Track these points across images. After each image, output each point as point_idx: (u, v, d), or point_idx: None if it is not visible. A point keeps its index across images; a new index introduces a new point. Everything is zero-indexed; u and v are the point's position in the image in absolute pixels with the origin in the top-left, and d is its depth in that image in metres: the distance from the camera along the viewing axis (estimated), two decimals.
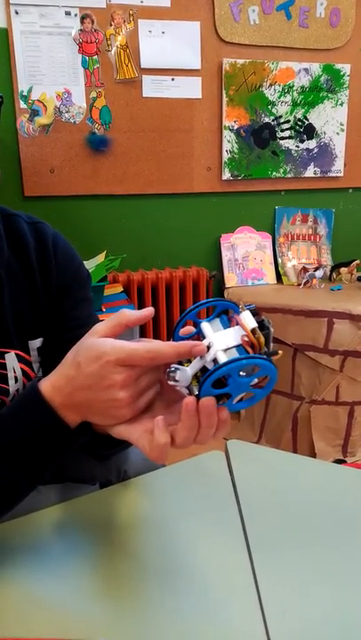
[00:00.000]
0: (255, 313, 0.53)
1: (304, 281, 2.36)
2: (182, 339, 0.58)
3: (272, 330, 0.53)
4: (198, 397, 0.53)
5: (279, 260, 2.49)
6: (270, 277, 2.46)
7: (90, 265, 1.97)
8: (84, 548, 0.71)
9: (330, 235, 2.57)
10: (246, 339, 0.52)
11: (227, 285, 2.39)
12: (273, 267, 2.47)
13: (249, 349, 0.52)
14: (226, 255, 2.42)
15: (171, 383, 0.54)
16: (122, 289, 2.14)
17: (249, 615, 0.61)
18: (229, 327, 0.55)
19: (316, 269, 2.37)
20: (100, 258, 2.09)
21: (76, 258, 0.86)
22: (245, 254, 2.44)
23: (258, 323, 0.53)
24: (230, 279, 2.41)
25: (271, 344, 0.53)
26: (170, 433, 0.55)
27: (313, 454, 2.08)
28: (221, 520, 0.77)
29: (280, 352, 0.53)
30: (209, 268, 2.37)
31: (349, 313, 1.98)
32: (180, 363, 0.56)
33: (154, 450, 0.55)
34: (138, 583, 0.65)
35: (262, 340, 0.52)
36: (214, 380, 0.51)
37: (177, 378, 0.54)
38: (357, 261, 2.42)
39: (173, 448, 0.55)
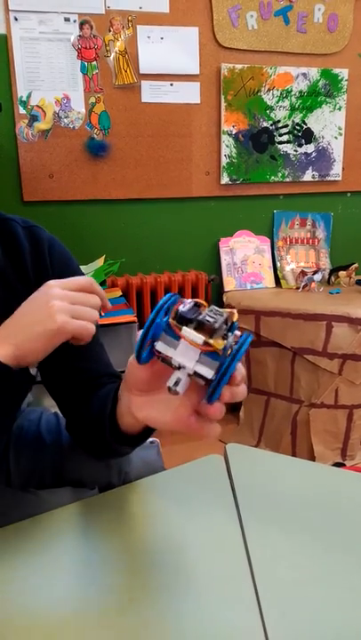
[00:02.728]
0: (184, 319, 0.52)
1: (303, 284, 2.37)
2: (146, 356, 0.57)
3: (212, 322, 0.51)
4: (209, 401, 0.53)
5: (278, 264, 2.50)
6: (269, 281, 2.46)
7: (89, 269, 1.98)
8: (84, 551, 0.72)
9: (328, 238, 2.58)
10: (205, 347, 0.51)
11: (225, 289, 2.40)
12: (272, 270, 2.48)
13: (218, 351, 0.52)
14: (225, 259, 2.43)
15: (179, 396, 0.55)
16: (121, 293, 2.14)
17: (248, 617, 0.61)
18: (178, 339, 0.53)
19: (314, 273, 2.37)
20: (99, 262, 2.10)
21: (73, 262, 0.86)
22: (244, 258, 2.45)
23: (198, 327, 0.51)
24: (229, 283, 2.41)
25: (220, 315, 0.52)
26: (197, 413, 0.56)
27: (312, 458, 2.08)
28: (220, 523, 0.77)
29: (235, 315, 0.53)
30: (208, 272, 2.38)
31: (348, 316, 1.98)
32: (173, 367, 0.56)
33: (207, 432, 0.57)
34: (137, 586, 0.65)
35: (220, 344, 0.51)
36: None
37: (180, 391, 0.53)
38: (356, 265, 2.42)
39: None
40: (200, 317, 0.52)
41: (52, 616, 0.61)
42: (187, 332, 0.52)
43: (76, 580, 0.67)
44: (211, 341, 0.51)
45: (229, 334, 0.52)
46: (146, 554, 0.71)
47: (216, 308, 0.54)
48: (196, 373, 0.53)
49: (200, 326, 0.51)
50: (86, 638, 0.59)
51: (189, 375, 0.53)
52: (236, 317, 0.54)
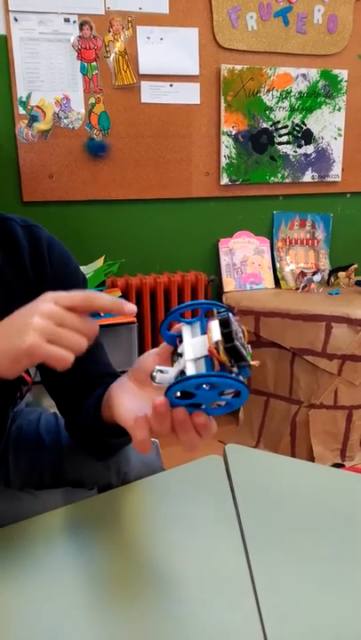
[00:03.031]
0: (226, 323, 0.52)
1: (302, 285, 2.37)
2: (170, 336, 0.59)
3: (238, 343, 0.51)
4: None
5: (277, 265, 2.50)
6: (268, 282, 2.46)
7: (88, 270, 1.98)
8: (83, 552, 0.72)
9: (328, 239, 2.58)
10: (212, 348, 0.52)
11: (225, 290, 2.40)
12: (271, 271, 2.48)
13: (216, 362, 0.51)
14: (224, 260, 2.43)
15: (154, 385, 0.56)
16: (120, 294, 2.14)
17: (247, 619, 0.61)
18: (203, 334, 0.54)
19: (314, 274, 2.37)
20: (99, 263, 2.10)
21: (72, 261, 0.86)
22: (244, 259, 2.45)
23: (225, 334, 0.52)
24: (228, 284, 2.41)
25: (246, 353, 0.52)
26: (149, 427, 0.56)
27: (311, 458, 2.08)
28: (220, 524, 0.77)
29: (255, 363, 0.53)
30: (207, 273, 2.38)
31: (347, 317, 1.98)
32: (177, 355, 0.56)
33: (135, 443, 0.57)
34: (136, 588, 0.65)
35: (223, 356, 0.51)
36: (178, 392, 0.52)
37: (157, 380, 0.55)
38: (355, 265, 2.42)
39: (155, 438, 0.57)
40: (233, 330, 0.52)
41: (51, 616, 0.61)
42: (214, 325, 0.52)
43: (75, 580, 0.66)
44: (221, 348, 0.51)
45: (236, 369, 0.52)
46: (145, 554, 0.71)
47: (250, 347, 0.54)
48: (182, 372, 0.53)
49: (226, 337, 0.52)
50: (84, 638, 0.59)
51: (178, 375, 0.54)
52: (255, 364, 0.53)
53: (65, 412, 0.87)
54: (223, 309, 0.55)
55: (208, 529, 0.76)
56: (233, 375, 0.50)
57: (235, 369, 0.51)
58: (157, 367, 0.56)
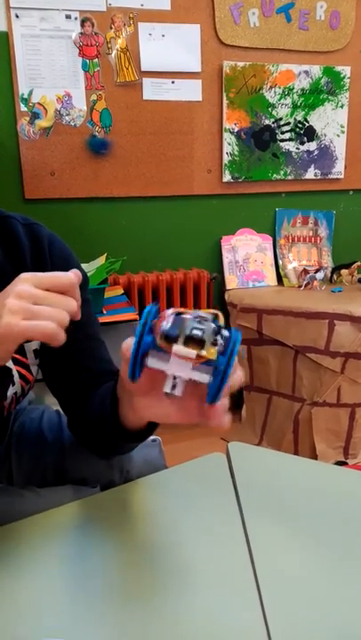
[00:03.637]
0: (168, 337, 0.50)
1: (305, 283, 2.36)
2: (141, 371, 0.55)
3: (193, 333, 0.49)
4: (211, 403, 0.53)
5: (280, 262, 2.49)
6: (271, 279, 2.46)
7: (90, 267, 1.97)
8: (86, 550, 0.71)
9: (330, 236, 2.57)
10: (198, 360, 0.50)
11: (227, 287, 2.39)
12: (274, 269, 2.47)
13: (209, 366, 0.51)
14: (227, 257, 2.42)
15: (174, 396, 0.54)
16: (122, 291, 2.14)
17: (250, 616, 0.61)
18: (168, 354, 0.51)
19: (316, 271, 2.37)
20: (101, 260, 2.09)
21: (73, 259, 0.86)
22: (246, 256, 2.45)
23: (187, 340, 0.50)
24: (231, 281, 2.41)
25: (209, 315, 0.51)
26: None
27: (314, 456, 2.08)
28: (223, 522, 0.77)
29: (219, 313, 0.53)
30: (210, 270, 2.37)
31: (350, 315, 1.98)
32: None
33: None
34: (139, 585, 0.65)
35: (211, 354, 0.50)
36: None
37: (177, 394, 0.54)
38: (358, 263, 2.42)
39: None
40: (188, 332, 0.50)
41: (54, 613, 0.61)
42: (177, 349, 0.50)
43: (78, 578, 0.66)
44: (203, 353, 0.50)
45: (218, 337, 0.51)
46: (147, 552, 0.71)
47: (200, 313, 0.52)
48: (191, 380, 0.52)
49: (189, 339, 0.50)
50: (87, 636, 0.58)
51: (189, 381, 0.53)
52: (222, 320, 0.52)
53: (68, 409, 0.87)
54: (148, 318, 0.52)
55: (211, 526, 0.76)
56: (228, 352, 0.50)
57: (219, 339, 0.51)
58: (165, 388, 0.53)
